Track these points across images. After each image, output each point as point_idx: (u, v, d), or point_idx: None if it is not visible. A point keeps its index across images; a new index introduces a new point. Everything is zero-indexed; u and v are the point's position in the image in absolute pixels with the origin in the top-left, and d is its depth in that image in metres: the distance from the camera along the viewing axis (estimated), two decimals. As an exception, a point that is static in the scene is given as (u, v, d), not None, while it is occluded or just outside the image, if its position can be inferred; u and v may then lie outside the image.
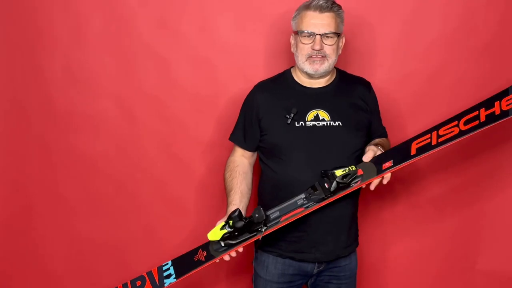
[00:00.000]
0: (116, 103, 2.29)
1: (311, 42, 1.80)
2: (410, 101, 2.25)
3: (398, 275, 2.42)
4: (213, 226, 1.73)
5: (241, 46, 2.22)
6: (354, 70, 2.03)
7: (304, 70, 1.84)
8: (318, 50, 1.79)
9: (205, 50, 2.23)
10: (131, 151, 2.33)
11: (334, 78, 1.92)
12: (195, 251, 1.80)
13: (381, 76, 2.19)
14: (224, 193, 1.94)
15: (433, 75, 2.22)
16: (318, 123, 1.82)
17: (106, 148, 2.33)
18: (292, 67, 1.96)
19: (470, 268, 2.36)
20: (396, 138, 2.08)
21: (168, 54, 2.24)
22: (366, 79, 2.00)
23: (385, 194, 2.33)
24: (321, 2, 1.79)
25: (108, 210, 2.38)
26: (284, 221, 1.71)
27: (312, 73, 1.83)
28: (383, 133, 2.00)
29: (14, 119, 2.34)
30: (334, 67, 1.91)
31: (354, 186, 1.69)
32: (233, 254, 1.74)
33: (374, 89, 1.98)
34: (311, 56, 1.81)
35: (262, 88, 1.93)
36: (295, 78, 1.91)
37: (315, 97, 1.86)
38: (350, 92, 1.91)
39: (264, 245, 1.88)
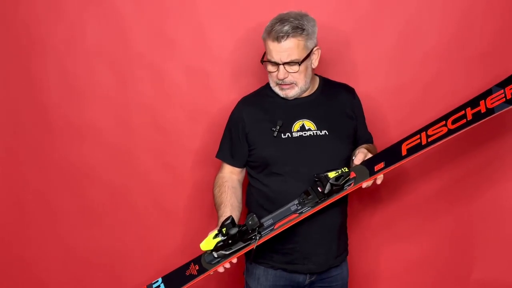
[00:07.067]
0: (110, 112, 2.29)
1: (276, 71, 1.78)
2: (405, 111, 2.23)
3: (391, 285, 2.38)
4: (206, 235, 1.67)
5: (235, 56, 2.21)
6: (348, 80, 2.00)
7: (277, 93, 1.83)
8: (282, 79, 1.78)
9: (199, 60, 2.23)
10: (125, 160, 2.32)
11: (318, 87, 1.90)
12: (186, 266, 1.74)
13: (376, 86, 2.19)
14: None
15: (428, 85, 2.20)
16: (305, 133, 1.81)
17: (100, 157, 2.32)
18: None
19: (465, 277, 2.33)
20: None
21: (162, 64, 2.24)
22: (361, 89, 1.97)
23: (376, 203, 2.32)
24: (278, 30, 1.71)
25: (102, 219, 2.36)
26: (278, 228, 1.67)
27: (284, 97, 1.83)
28: (369, 139, 1.99)
29: (8, 129, 2.32)
30: (317, 75, 1.91)
31: (348, 189, 1.67)
32: (227, 265, 1.68)
33: (368, 99, 1.96)
34: (279, 84, 1.80)
35: (246, 103, 1.91)
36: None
37: (299, 107, 1.84)
38: (334, 100, 1.89)
39: (255, 257, 1.82)
